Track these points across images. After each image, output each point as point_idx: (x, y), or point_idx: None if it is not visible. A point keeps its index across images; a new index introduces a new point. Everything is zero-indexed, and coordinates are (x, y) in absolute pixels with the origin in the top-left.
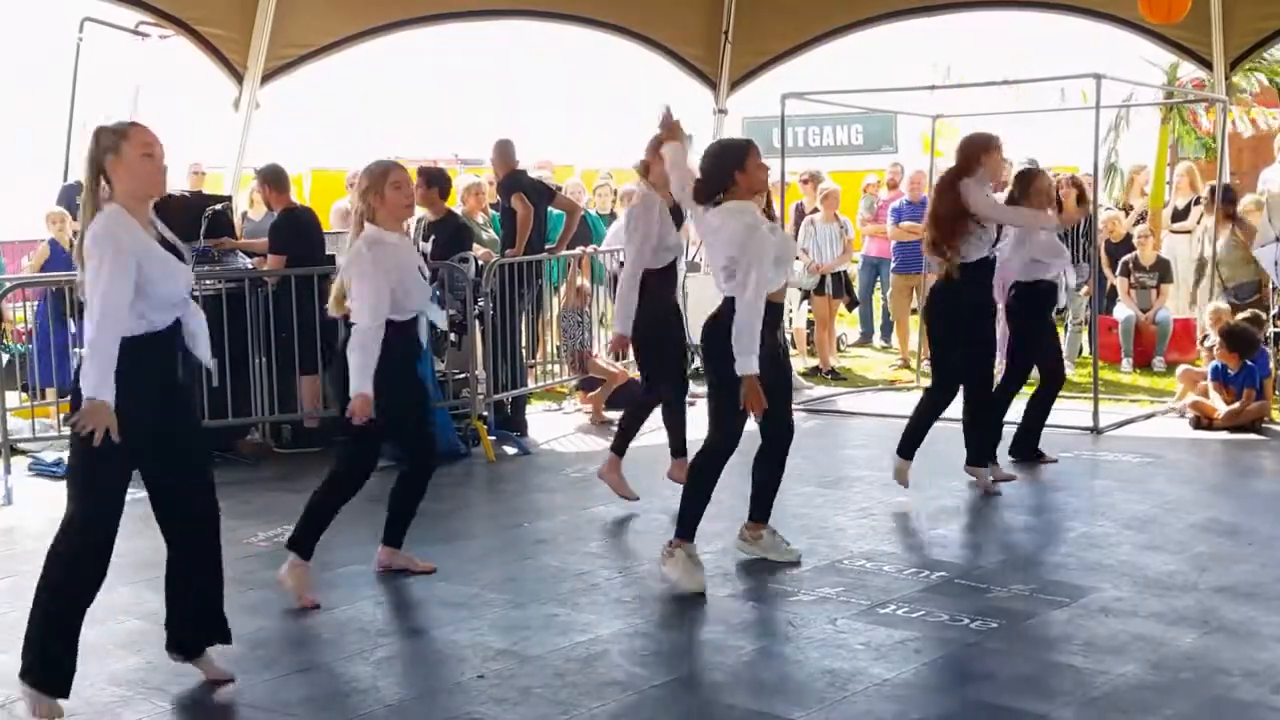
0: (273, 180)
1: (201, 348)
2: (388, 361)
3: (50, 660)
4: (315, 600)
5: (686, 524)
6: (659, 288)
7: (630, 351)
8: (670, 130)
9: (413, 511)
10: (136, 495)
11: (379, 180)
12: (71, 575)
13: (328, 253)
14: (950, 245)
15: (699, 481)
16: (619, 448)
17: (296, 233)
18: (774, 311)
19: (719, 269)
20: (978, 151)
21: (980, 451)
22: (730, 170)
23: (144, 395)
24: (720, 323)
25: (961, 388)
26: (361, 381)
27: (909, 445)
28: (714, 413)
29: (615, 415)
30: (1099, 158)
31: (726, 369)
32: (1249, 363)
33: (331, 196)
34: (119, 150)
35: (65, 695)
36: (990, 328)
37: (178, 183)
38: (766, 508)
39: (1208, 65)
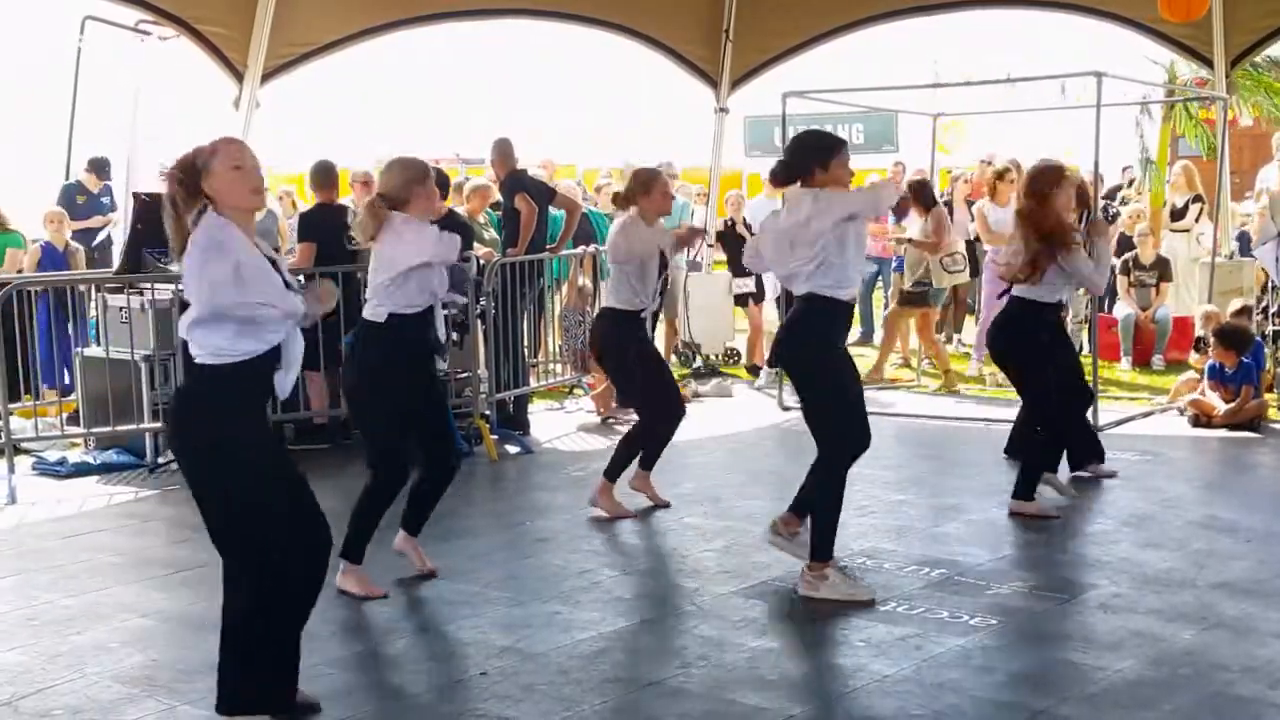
0: (316, 175)
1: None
2: (397, 357)
3: None
4: (381, 591)
5: (823, 545)
6: (625, 325)
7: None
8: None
9: (429, 505)
10: (138, 495)
11: (421, 177)
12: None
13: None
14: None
15: (823, 498)
16: (612, 474)
17: (319, 225)
18: (846, 310)
19: (805, 258)
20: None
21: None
22: (811, 163)
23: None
24: (795, 332)
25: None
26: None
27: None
28: (817, 426)
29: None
30: (1121, 154)
31: (812, 375)
32: (1245, 360)
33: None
34: (210, 167)
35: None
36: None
37: None
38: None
39: (1209, 63)
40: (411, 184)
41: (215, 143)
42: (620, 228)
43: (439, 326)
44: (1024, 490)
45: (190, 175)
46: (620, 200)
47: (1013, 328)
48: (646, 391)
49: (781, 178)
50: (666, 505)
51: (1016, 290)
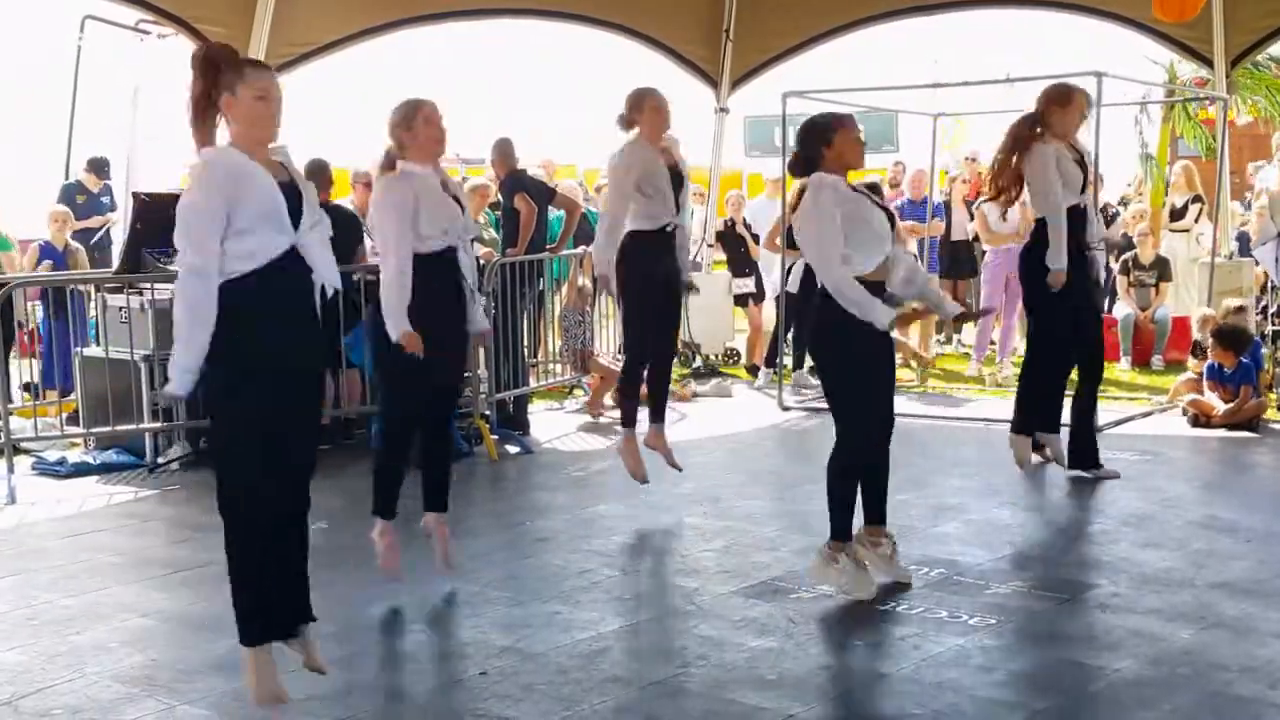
0: (314, 174)
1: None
2: (418, 298)
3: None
4: (395, 569)
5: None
6: (650, 251)
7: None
8: None
9: (445, 472)
10: (138, 495)
11: (411, 114)
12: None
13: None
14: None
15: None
16: (627, 421)
17: None
18: (874, 290)
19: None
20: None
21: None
22: (819, 147)
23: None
24: (817, 324)
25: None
26: (398, 321)
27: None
28: (835, 412)
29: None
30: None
31: (831, 364)
32: (1244, 360)
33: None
34: (234, 90)
35: None
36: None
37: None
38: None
39: (1209, 63)
40: (397, 129)
41: (241, 64)
42: (619, 150)
43: (465, 268)
44: (1021, 424)
45: (209, 74)
46: (624, 125)
47: (1031, 252)
48: (625, 323)
49: (799, 171)
50: (678, 469)
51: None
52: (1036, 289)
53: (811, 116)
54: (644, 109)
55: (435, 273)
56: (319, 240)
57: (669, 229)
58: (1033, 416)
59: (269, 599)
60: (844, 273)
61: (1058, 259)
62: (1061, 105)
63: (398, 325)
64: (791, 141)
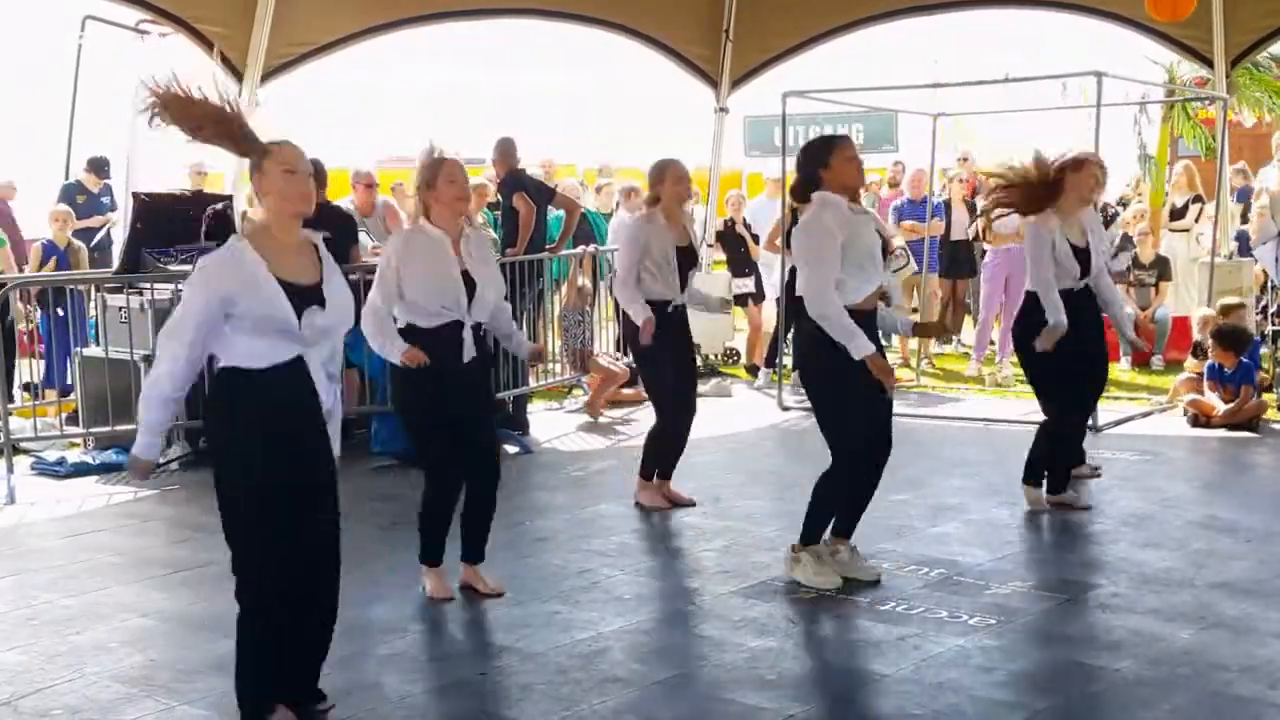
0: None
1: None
2: (410, 373)
3: None
4: (450, 593)
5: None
6: (660, 327)
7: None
8: None
9: (476, 525)
10: (138, 495)
11: (433, 176)
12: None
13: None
14: None
15: (819, 497)
16: (647, 473)
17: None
18: (865, 319)
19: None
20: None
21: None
22: (816, 170)
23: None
24: (801, 338)
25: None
26: (392, 351)
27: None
28: (822, 425)
29: (614, 412)
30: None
31: (815, 379)
32: (1244, 360)
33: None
34: (263, 167)
35: None
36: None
37: (178, 182)
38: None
39: (1208, 63)
40: (420, 190)
41: (269, 144)
42: (634, 222)
43: (466, 345)
44: (1057, 484)
45: (228, 129)
46: (651, 200)
47: (1024, 321)
48: (653, 392)
49: (800, 195)
50: (691, 503)
51: (1027, 285)
52: (1034, 361)
53: (809, 140)
54: (665, 180)
55: (430, 344)
56: (327, 347)
57: (670, 309)
58: (1048, 471)
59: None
60: (833, 297)
61: (1056, 315)
62: (1074, 170)
63: (392, 349)
64: (791, 141)
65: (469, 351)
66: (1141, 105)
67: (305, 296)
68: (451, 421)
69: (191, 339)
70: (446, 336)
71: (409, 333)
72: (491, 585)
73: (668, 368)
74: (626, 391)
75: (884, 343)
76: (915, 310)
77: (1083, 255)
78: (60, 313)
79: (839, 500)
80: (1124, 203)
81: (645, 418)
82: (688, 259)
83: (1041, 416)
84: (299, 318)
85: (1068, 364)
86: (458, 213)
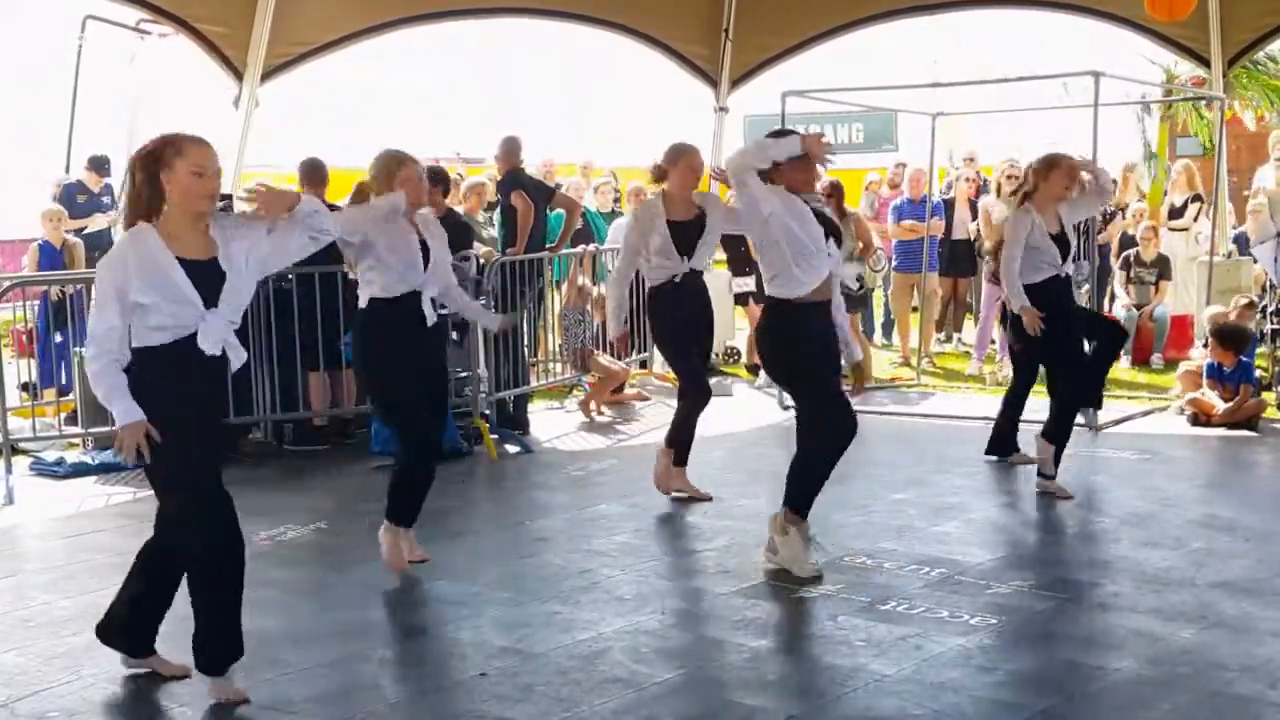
0: (307, 173)
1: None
2: (383, 340)
3: None
4: (402, 563)
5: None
6: (668, 304)
7: (627, 347)
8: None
9: (406, 496)
10: (136, 495)
11: (395, 167)
12: None
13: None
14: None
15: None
16: (680, 459)
17: None
18: (818, 311)
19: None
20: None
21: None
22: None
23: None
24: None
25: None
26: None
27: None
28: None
29: (610, 412)
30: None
31: (776, 366)
32: (1244, 359)
33: (333, 194)
34: (172, 165)
35: None
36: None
37: None
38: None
39: (1206, 63)
40: (379, 178)
41: (182, 141)
42: (631, 220)
43: (426, 309)
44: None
45: (150, 164)
46: (658, 177)
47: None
48: (673, 366)
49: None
50: (708, 498)
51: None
52: (1030, 342)
53: (774, 130)
54: (678, 164)
55: (396, 314)
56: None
57: (676, 279)
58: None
59: None
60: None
61: (1017, 298)
62: (1048, 169)
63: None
64: None
65: (430, 318)
66: (1145, 105)
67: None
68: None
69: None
70: (408, 305)
71: (372, 306)
72: (419, 553)
73: (679, 339)
74: (625, 393)
75: (885, 340)
76: (915, 309)
77: (1061, 242)
78: (59, 312)
79: (831, 464)
80: (1121, 207)
81: (646, 418)
82: (693, 229)
83: (1043, 417)
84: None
85: (1070, 347)
86: (414, 205)
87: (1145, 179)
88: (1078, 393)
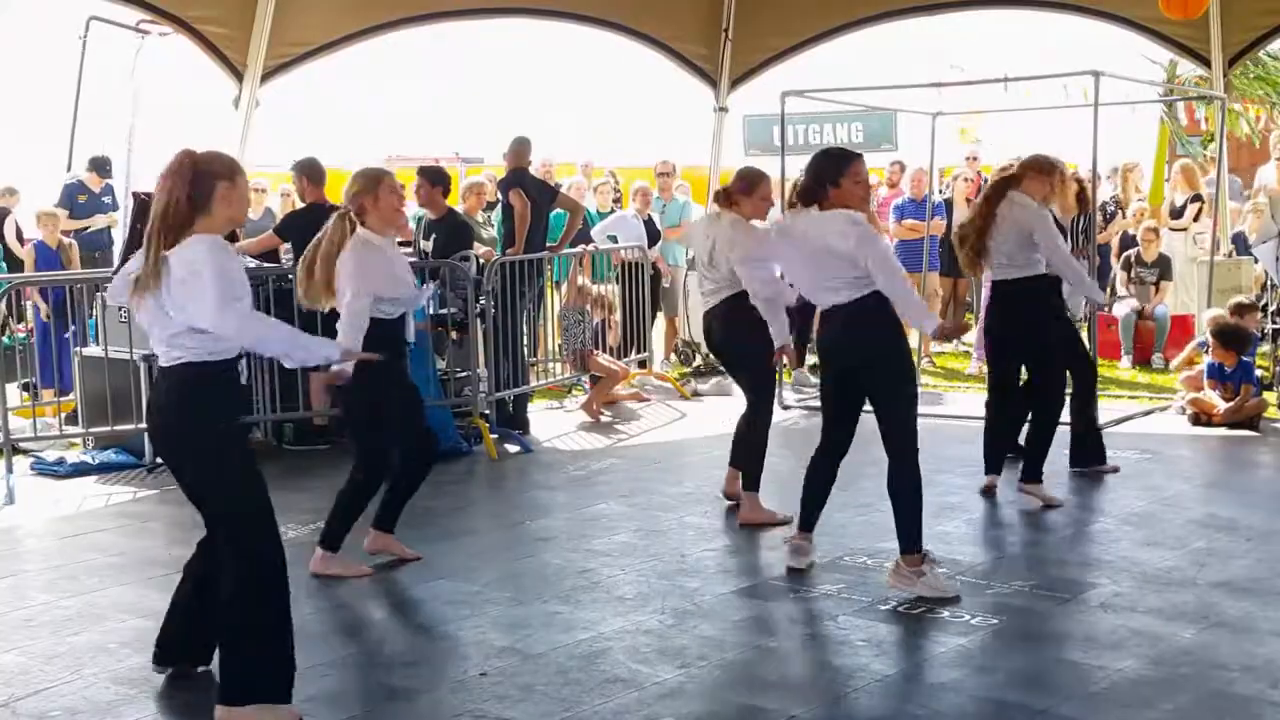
0: (307, 172)
1: None
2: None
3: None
4: (369, 570)
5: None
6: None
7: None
8: None
9: (404, 501)
10: (137, 495)
11: (373, 184)
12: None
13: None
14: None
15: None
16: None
17: (309, 227)
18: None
19: (830, 274)
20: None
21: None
22: (825, 184)
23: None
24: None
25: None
26: (354, 341)
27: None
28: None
29: (610, 412)
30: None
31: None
32: (1245, 359)
33: (333, 194)
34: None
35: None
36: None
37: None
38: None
39: (1206, 63)
40: (360, 196)
41: (233, 166)
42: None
43: (408, 329)
44: (1033, 472)
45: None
46: (723, 199)
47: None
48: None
49: (804, 201)
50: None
51: (996, 275)
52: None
53: (826, 149)
54: (753, 194)
55: (386, 337)
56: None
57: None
58: (1031, 460)
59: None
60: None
61: (1091, 290)
62: (1040, 173)
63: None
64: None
65: (411, 335)
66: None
67: None
68: (399, 405)
69: None
70: (398, 330)
71: (375, 328)
72: (411, 552)
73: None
74: (622, 393)
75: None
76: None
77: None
78: (59, 312)
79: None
80: (1120, 206)
81: (646, 418)
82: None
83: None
84: None
85: (1071, 345)
86: (394, 221)
87: (1142, 178)
88: (1054, 395)
